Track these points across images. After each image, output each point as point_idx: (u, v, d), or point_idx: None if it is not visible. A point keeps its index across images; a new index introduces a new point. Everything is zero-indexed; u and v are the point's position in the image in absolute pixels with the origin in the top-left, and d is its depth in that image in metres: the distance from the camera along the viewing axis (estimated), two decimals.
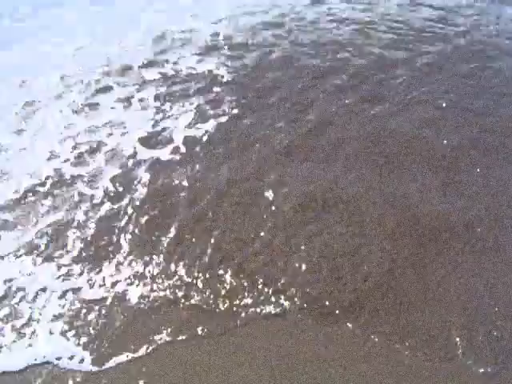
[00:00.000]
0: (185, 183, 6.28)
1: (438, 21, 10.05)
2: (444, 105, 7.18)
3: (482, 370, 3.97)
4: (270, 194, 5.86)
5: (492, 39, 9.18)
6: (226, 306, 4.70)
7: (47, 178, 6.79)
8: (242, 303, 4.69)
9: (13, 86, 9.47)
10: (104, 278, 5.12)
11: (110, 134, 7.54)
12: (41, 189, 6.61)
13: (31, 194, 6.52)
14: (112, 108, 8.25)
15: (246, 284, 4.86)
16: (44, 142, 7.56)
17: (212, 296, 4.78)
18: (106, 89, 8.87)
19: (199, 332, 4.48)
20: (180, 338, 4.45)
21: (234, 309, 4.65)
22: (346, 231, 5.31)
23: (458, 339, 4.20)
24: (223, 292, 4.81)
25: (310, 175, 6.09)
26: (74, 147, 7.36)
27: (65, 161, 7.09)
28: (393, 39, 9.35)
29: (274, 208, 5.67)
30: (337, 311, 4.52)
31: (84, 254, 5.44)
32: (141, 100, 8.35)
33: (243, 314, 4.59)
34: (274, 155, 6.47)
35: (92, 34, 11.40)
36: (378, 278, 4.77)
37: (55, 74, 9.69)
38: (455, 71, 8.09)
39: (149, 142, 7.24)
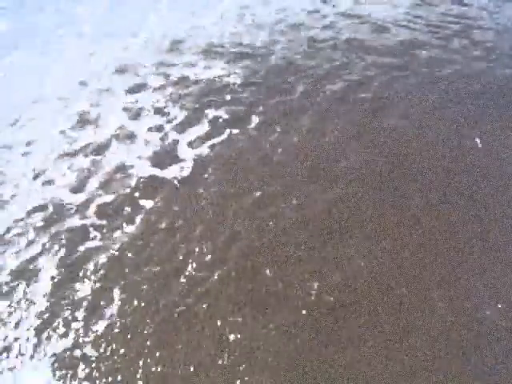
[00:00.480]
0: (187, 215, 5.83)
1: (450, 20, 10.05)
2: (444, 105, 7.18)
3: (482, 370, 3.97)
4: (274, 196, 5.86)
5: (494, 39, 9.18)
6: (224, 305, 4.70)
7: (33, 209, 6.21)
8: (240, 301, 4.69)
9: (16, 92, 9.30)
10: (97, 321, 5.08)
11: (113, 153, 7.03)
12: (26, 220, 6.06)
13: (15, 227, 6.01)
14: (117, 118, 7.91)
15: (245, 282, 4.86)
16: (39, 162, 7.04)
17: (211, 295, 4.79)
18: (111, 95, 8.70)
19: (199, 331, 4.49)
20: (179, 337, 4.46)
21: (234, 308, 4.65)
22: (346, 231, 5.31)
23: (457, 339, 4.20)
24: (222, 290, 4.82)
25: (311, 175, 6.09)
26: (71, 168, 6.85)
27: (60, 186, 6.57)
28: (396, 41, 9.36)
29: (275, 209, 5.67)
30: (337, 311, 4.52)
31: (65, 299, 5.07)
32: (146, 109, 8.04)
33: (242, 313, 4.59)
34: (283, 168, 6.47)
35: (97, 37, 11.33)
36: (378, 278, 4.77)
37: (59, 78, 9.56)
38: (457, 71, 8.09)
39: (154, 159, 6.78)
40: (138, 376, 4.22)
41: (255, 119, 7.30)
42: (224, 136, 7.05)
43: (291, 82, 8.18)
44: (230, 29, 10.56)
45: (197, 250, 5.28)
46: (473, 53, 8.60)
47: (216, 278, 4.95)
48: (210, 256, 5.18)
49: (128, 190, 6.34)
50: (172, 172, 6.52)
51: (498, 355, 4.06)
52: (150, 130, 7.49)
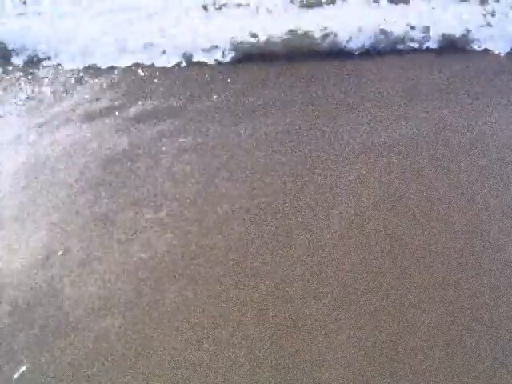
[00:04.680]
0: None
1: None
2: (446, 104, 7.18)
3: (482, 370, 3.97)
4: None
5: None
6: (224, 304, 4.71)
7: None
8: (240, 299, 4.70)
9: None
10: None
11: None
12: None
13: None
14: None
15: (244, 280, 4.87)
16: None
17: (210, 293, 4.80)
18: None
19: (199, 330, 4.50)
20: (179, 336, 4.47)
21: (233, 307, 4.66)
22: (346, 231, 5.31)
23: (457, 339, 4.20)
24: (221, 290, 4.83)
25: (311, 173, 6.11)
26: None
27: None
28: None
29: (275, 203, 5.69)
30: (336, 311, 4.52)
31: None
32: None
33: (242, 311, 4.60)
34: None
35: None
36: (379, 278, 4.77)
37: None
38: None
39: None
40: None
41: None
42: None
43: None
44: None
45: None
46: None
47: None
48: None
49: None
50: None
51: (497, 355, 4.06)
52: None
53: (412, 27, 8.44)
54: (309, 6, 8.98)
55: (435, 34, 8.34)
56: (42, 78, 8.57)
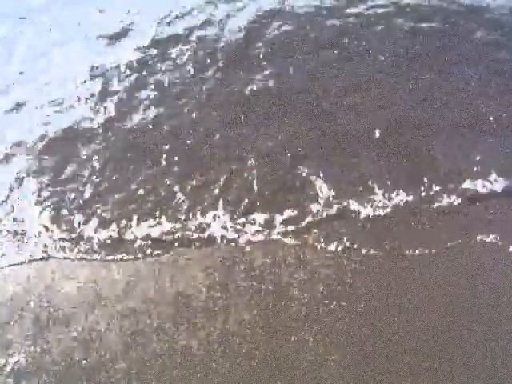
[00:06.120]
0: None
1: None
2: None
3: (482, 370, 3.97)
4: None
5: None
6: (224, 304, 4.71)
7: None
8: (240, 299, 4.70)
9: None
10: None
11: None
12: None
13: None
14: None
15: (245, 281, 4.87)
16: None
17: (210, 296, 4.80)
18: None
19: (199, 331, 4.50)
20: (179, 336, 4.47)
21: (233, 307, 4.66)
22: (346, 231, 5.32)
23: (458, 339, 4.19)
24: (222, 292, 4.83)
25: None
26: None
27: None
28: None
29: None
30: (336, 311, 4.52)
31: None
32: None
33: (243, 312, 4.60)
34: None
35: None
36: (378, 278, 4.77)
37: None
38: None
39: None
40: None
41: None
42: None
43: None
44: None
45: None
46: None
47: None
48: None
49: None
50: None
51: (498, 355, 4.06)
52: None
53: None
54: None
55: None
56: None
